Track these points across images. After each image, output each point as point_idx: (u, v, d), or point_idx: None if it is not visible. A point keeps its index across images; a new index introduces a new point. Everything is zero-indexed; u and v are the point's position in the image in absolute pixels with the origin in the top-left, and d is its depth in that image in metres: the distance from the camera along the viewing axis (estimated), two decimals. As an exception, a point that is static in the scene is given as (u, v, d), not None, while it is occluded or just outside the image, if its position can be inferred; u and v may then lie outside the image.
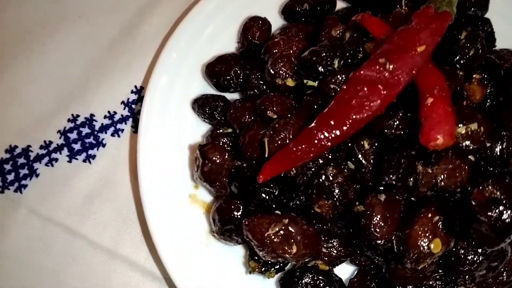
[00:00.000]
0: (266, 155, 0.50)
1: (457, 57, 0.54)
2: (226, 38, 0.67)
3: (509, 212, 0.45)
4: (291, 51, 0.58)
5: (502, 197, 0.46)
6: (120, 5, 0.76)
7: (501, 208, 0.46)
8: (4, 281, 0.61)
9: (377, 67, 0.47)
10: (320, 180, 0.50)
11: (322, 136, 0.46)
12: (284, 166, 0.48)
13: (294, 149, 0.47)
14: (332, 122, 0.46)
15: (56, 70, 0.72)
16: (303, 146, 0.47)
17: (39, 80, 0.71)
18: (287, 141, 0.49)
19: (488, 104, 0.56)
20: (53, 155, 0.66)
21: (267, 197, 0.51)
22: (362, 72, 0.47)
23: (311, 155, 0.47)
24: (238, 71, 0.63)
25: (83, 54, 0.73)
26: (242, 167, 0.53)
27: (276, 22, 0.68)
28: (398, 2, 0.59)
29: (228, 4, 0.68)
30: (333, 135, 0.46)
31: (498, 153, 0.48)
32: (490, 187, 0.46)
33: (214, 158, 0.55)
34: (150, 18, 0.75)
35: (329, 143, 0.46)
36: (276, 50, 0.59)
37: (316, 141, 0.46)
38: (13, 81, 0.71)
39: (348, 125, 0.46)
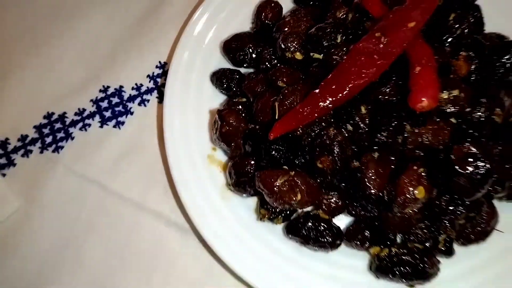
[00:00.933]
0: (277, 117, 0.58)
1: (445, 36, 0.62)
2: (241, 19, 0.74)
3: (483, 165, 0.53)
4: (300, 29, 0.65)
5: (478, 153, 0.53)
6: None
7: (477, 162, 0.53)
8: (44, 230, 0.68)
9: (373, 40, 0.54)
10: (322, 139, 0.57)
11: (325, 99, 0.54)
12: (292, 125, 0.56)
13: (301, 110, 0.55)
14: (333, 87, 0.54)
15: (87, 46, 0.79)
16: (308, 107, 0.54)
17: (72, 55, 0.78)
18: (295, 105, 0.57)
19: (473, 78, 0.64)
20: (87, 121, 0.74)
21: (276, 154, 0.59)
22: (360, 44, 0.54)
23: (315, 115, 0.55)
24: (252, 48, 0.70)
25: (111, 32, 0.80)
26: (255, 129, 0.61)
27: (287, 6, 0.76)
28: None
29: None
30: (334, 98, 0.54)
31: (477, 117, 0.56)
32: (468, 145, 0.54)
33: (231, 121, 0.62)
34: (169, -1, 0.83)
35: (330, 105, 0.54)
36: (287, 28, 0.67)
37: (319, 103, 0.54)
38: (48, 56, 0.78)
39: (347, 90, 0.54)
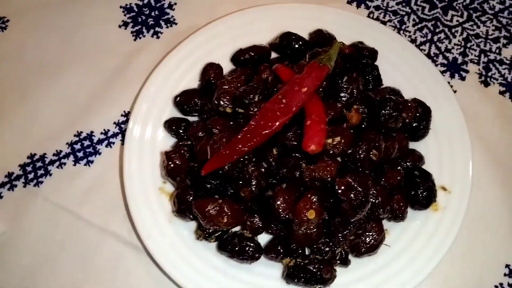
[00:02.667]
0: (209, 157, 0.75)
1: (341, 95, 0.80)
2: (191, 77, 0.91)
3: (359, 194, 0.70)
4: (232, 89, 0.83)
5: (355, 184, 0.70)
6: (115, 49, 1.01)
7: (354, 191, 0.70)
8: (25, 250, 0.81)
9: (277, 101, 0.72)
10: (244, 174, 0.74)
11: (242, 144, 0.71)
12: (218, 164, 0.71)
13: (224, 152, 0.72)
14: (248, 135, 0.71)
15: (66, 97, 0.94)
16: (229, 150, 0.72)
17: (54, 105, 0.94)
18: (221, 147, 0.74)
19: (364, 125, 0.81)
20: (63, 160, 0.89)
21: (209, 186, 0.76)
22: (268, 104, 0.72)
23: (235, 156, 0.71)
24: (197, 101, 0.87)
25: (87, 85, 0.96)
26: (194, 167, 0.78)
27: (228, 67, 0.93)
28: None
29: (192, 54, 0.92)
30: (249, 144, 0.71)
31: (357, 156, 0.73)
32: (348, 178, 0.71)
33: (175, 160, 0.79)
34: (137, 60, 0.98)
35: (246, 149, 0.71)
36: (222, 88, 0.85)
37: (237, 148, 0.71)
38: (34, 105, 0.94)
39: (258, 137, 0.71)
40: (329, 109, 0.75)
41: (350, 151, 0.73)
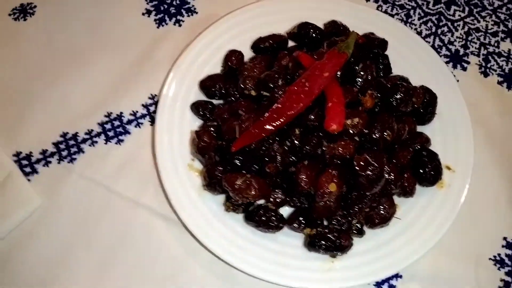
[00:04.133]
0: (237, 135, 0.82)
1: (355, 80, 0.88)
2: (214, 64, 0.97)
3: (375, 170, 0.77)
4: (255, 73, 0.90)
5: (372, 161, 0.78)
6: (139, 36, 1.06)
7: (371, 167, 0.78)
8: (60, 223, 0.87)
9: (300, 84, 0.80)
10: (269, 151, 0.81)
11: (269, 124, 0.78)
12: (247, 141, 0.78)
13: (253, 131, 0.79)
14: (274, 115, 0.78)
15: (94, 81, 0.99)
16: (258, 129, 0.79)
17: (83, 88, 0.99)
18: (249, 126, 0.81)
19: (376, 109, 0.89)
20: (94, 139, 0.95)
21: (237, 162, 0.83)
22: (292, 87, 0.80)
23: (263, 135, 0.79)
24: (221, 85, 0.94)
25: (113, 70, 1.01)
26: (222, 145, 0.85)
27: (248, 54, 1.00)
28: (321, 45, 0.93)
29: (215, 41, 0.98)
30: (275, 123, 0.79)
31: (373, 136, 0.81)
32: (365, 155, 0.79)
33: (205, 139, 0.85)
34: (161, 46, 1.04)
35: (273, 128, 0.78)
36: (246, 73, 0.92)
37: (265, 126, 0.78)
38: (64, 88, 0.98)
39: (284, 118, 0.78)
40: (347, 93, 0.83)
41: (367, 131, 0.80)
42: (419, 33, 1.09)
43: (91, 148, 0.95)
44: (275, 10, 1.04)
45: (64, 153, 0.95)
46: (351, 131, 0.79)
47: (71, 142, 0.96)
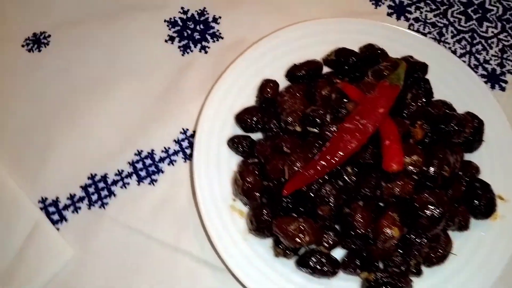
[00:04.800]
0: (287, 178, 0.77)
1: (405, 111, 0.84)
2: (247, 94, 0.93)
3: (438, 210, 0.74)
4: (297, 106, 0.85)
5: (433, 201, 0.74)
6: (163, 64, 1.00)
7: (433, 207, 0.74)
8: (96, 273, 0.81)
9: (354, 121, 0.75)
10: (321, 193, 0.77)
11: (322, 165, 0.74)
12: (300, 185, 0.75)
13: (306, 173, 0.74)
14: (328, 157, 0.74)
15: (119, 115, 0.94)
16: (311, 171, 0.74)
17: (107, 124, 0.93)
18: (299, 168, 0.76)
19: (426, 140, 0.85)
20: (126, 180, 0.89)
21: (287, 205, 0.78)
22: (345, 124, 0.75)
23: (316, 177, 0.74)
24: (259, 118, 0.89)
25: (139, 103, 0.95)
26: (269, 186, 0.80)
27: (282, 81, 0.95)
28: (365, 74, 0.89)
29: (247, 70, 0.93)
30: (329, 165, 0.74)
31: (431, 174, 0.77)
32: (426, 195, 0.75)
33: (250, 179, 0.81)
34: (187, 75, 0.98)
35: (327, 170, 0.74)
36: (286, 106, 0.86)
37: (319, 169, 0.74)
38: (87, 126, 0.93)
39: (338, 158, 0.74)
40: (399, 126, 0.78)
41: (425, 169, 0.76)
42: (454, 52, 1.06)
43: (123, 191, 0.89)
44: (307, 34, 0.99)
45: (94, 197, 0.89)
46: (410, 170, 0.75)
47: (101, 185, 0.89)
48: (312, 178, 0.74)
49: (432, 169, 0.76)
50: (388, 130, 0.75)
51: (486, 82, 1.03)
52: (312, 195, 0.77)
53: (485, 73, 1.05)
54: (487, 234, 0.84)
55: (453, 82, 0.96)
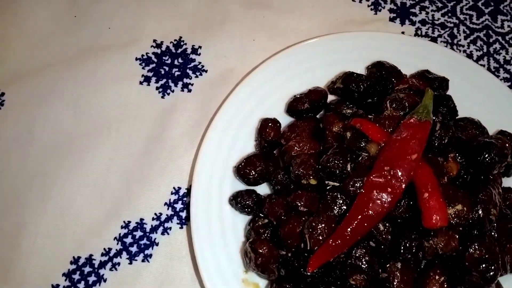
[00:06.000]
0: (309, 248, 0.64)
1: (435, 145, 0.71)
2: (245, 138, 0.79)
3: (492, 266, 0.62)
4: (308, 154, 0.72)
5: (485, 256, 0.62)
6: (141, 112, 0.86)
7: (485, 264, 0.62)
8: None
9: (384, 173, 0.62)
10: (352, 260, 0.64)
11: (353, 232, 0.61)
12: (326, 258, 0.62)
13: (333, 244, 0.61)
14: (357, 222, 0.61)
15: (97, 180, 0.80)
16: (339, 241, 0.61)
17: (84, 192, 0.79)
18: (324, 235, 0.64)
19: (462, 173, 0.73)
20: (115, 260, 0.76)
21: (313, 280, 0.66)
22: (373, 179, 0.62)
23: (346, 247, 0.62)
24: (263, 169, 0.76)
25: (119, 163, 0.81)
26: (287, 257, 0.67)
27: (282, 117, 0.81)
28: (378, 99, 0.75)
29: (241, 110, 0.80)
30: (360, 230, 0.61)
31: (478, 221, 0.65)
32: (476, 249, 0.63)
33: (262, 251, 0.67)
34: (171, 122, 0.85)
35: (358, 237, 0.61)
36: (294, 153, 0.73)
37: (347, 237, 0.61)
38: (61, 196, 0.79)
39: (369, 221, 0.61)
40: (433, 167, 0.66)
41: (470, 216, 0.64)
42: (470, 56, 0.93)
43: (114, 273, 0.76)
44: (304, 57, 0.86)
45: (81, 285, 0.75)
46: (454, 222, 0.62)
47: (87, 269, 0.76)
48: (340, 249, 0.62)
49: (477, 215, 0.64)
50: (424, 179, 0.62)
51: (510, 87, 0.91)
52: (340, 263, 0.64)
53: (507, 75, 0.92)
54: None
55: (475, 93, 0.84)
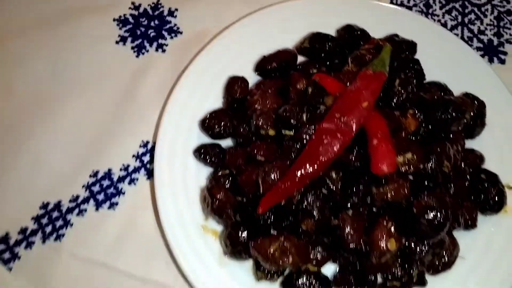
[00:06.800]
0: (261, 192, 0.66)
1: (394, 100, 0.72)
2: (213, 95, 0.81)
3: (439, 214, 0.63)
4: (269, 107, 0.74)
5: (434, 204, 0.63)
6: (116, 70, 0.88)
7: (434, 212, 0.63)
8: None
9: (335, 120, 0.63)
10: (303, 205, 0.66)
11: (301, 175, 0.63)
12: (276, 200, 0.64)
13: (282, 186, 0.63)
14: (307, 165, 0.63)
15: (71, 135, 0.82)
16: (288, 183, 0.63)
17: (58, 145, 0.82)
18: (275, 180, 0.65)
19: (421, 131, 0.74)
20: (82, 206, 0.78)
21: (265, 222, 0.67)
22: (324, 125, 0.63)
23: (295, 189, 0.63)
24: (228, 123, 0.78)
25: (92, 118, 0.84)
26: (243, 202, 0.69)
27: (251, 76, 0.83)
28: (346, 61, 0.77)
29: (211, 68, 0.82)
30: (309, 173, 0.63)
31: (429, 172, 0.66)
32: (425, 198, 0.64)
33: (220, 197, 0.69)
34: (144, 80, 0.87)
35: (307, 180, 0.63)
36: (257, 106, 0.75)
37: (297, 179, 0.63)
38: (36, 148, 0.82)
39: (318, 165, 0.63)
40: (388, 119, 0.67)
41: (422, 166, 0.65)
42: (444, 25, 0.94)
43: (80, 219, 0.78)
44: (275, 20, 0.88)
45: (48, 229, 0.77)
46: (404, 170, 0.63)
47: (55, 214, 0.78)
48: (290, 191, 0.63)
49: (429, 166, 0.65)
50: (375, 127, 0.63)
51: (483, 56, 0.92)
52: (293, 209, 0.66)
53: (481, 45, 0.93)
54: (498, 230, 0.74)
55: (446, 59, 0.85)
